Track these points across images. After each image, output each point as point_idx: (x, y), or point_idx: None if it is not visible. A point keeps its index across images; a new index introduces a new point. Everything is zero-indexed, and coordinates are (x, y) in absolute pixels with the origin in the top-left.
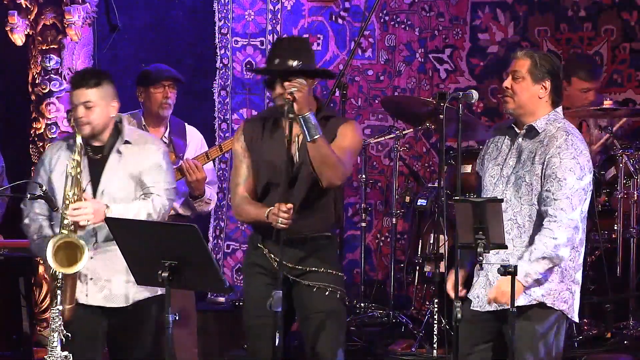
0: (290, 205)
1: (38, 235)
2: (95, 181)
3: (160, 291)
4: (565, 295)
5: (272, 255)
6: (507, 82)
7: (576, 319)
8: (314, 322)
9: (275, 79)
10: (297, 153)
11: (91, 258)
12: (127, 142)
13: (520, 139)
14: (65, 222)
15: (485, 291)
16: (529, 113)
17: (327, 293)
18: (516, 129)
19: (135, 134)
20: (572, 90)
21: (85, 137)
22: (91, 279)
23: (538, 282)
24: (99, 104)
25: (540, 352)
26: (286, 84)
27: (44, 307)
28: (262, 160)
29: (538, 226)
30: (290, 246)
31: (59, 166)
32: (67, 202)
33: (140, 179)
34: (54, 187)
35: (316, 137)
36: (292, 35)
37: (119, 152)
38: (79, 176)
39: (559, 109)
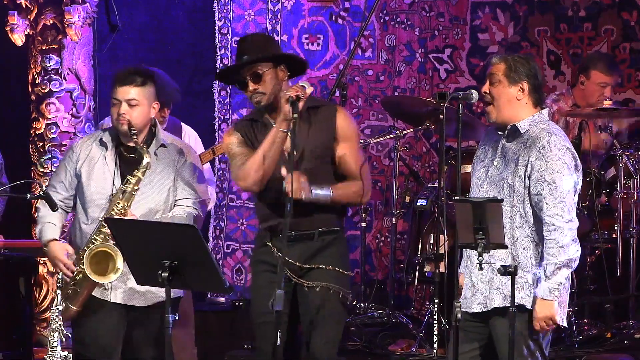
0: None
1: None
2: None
3: (176, 294)
4: None
5: (280, 254)
6: (485, 87)
7: (561, 322)
8: (313, 321)
9: (247, 78)
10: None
11: None
12: (162, 145)
13: (504, 140)
14: (104, 229)
15: (471, 292)
16: (511, 117)
17: (329, 293)
18: (500, 132)
19: (169, 138)
20: (590, 84)
21: (124, 133)
22: None
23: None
24: (143, 103)
25: (522, 353)
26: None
27: (44, 307)
28: None
29: (520, 227)
30: (298, 242)
31: (88, 162)
32: (112, 212)
33: (175, 185)
34: (82, 182)
35: (330, 196)
36: (255, 33)
37: (155, 154)
38: (134, 192)
39: (545, 111)
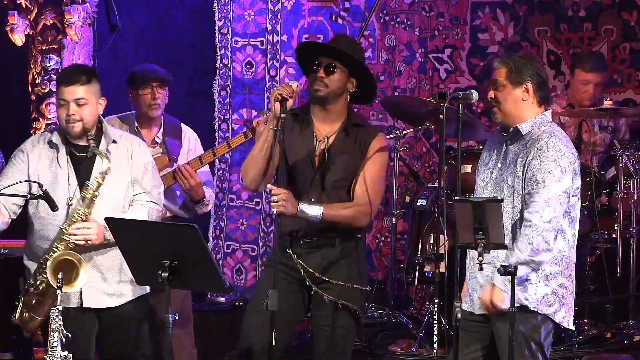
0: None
1: None
2: (83, 182)
3: (143, 292)
4: (550, 299)
5: (300, 261)
6: (491, 93)
7: (567, 325)
8: (325, 334)
9: (319, 65)
10: (325, 153)
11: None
12: (113, 141)
13: (507, 142)
14: (65, 237)
15: (477, 294)
16: (517, 118)
17: (346, 311)
18: (505, 134)
19: (117, 133)
20: (574, 82)
21: (75, 135)
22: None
23: (520, 285)
24: (91, 101)
25: (524, 353)
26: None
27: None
28: (287, 154)
29: (519, 228)
30: (318, 249)
31: (42, 165)
32: (73, 219)
33: (132, 180)
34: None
35: (320, 216)
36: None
37: (107, 151)
38: (94, 199)
39: (548, 112)
